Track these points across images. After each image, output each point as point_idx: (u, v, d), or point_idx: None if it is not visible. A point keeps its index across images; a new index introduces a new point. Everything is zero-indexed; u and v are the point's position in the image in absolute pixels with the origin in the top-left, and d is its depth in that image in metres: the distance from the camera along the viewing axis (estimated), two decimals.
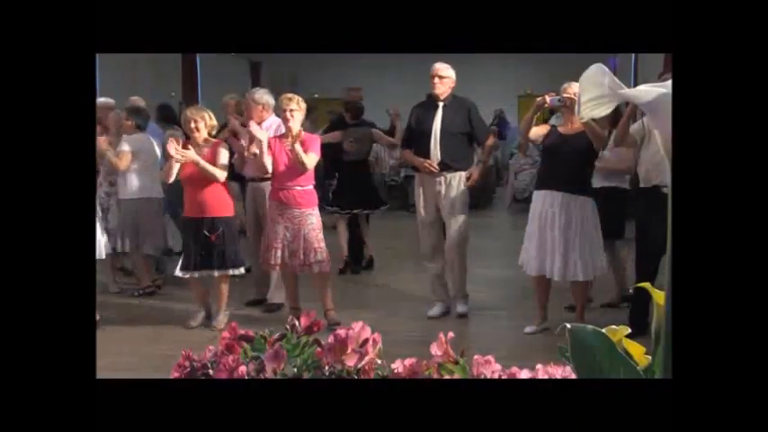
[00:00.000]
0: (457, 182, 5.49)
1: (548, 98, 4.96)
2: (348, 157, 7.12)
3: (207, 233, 5.26)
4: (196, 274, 5.39)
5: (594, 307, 5.31)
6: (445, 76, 5.49)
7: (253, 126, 5.30)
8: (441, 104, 5.48)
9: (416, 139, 5.55)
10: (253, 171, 5.70)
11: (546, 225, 5.01)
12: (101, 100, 6.79)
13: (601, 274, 5.14)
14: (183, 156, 5.14)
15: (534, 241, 5.07)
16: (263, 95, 5.73)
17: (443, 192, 5.49)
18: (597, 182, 5.42)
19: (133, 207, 6.27)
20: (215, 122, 5.45)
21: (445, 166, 5.45)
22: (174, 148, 5.12)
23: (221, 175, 5.28)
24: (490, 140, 5.85)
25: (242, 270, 5.50)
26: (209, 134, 5.38)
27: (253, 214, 5.87)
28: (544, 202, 5.04)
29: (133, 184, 6.23)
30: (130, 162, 6.14)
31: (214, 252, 5.31)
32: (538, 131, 5.17)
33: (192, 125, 5.30)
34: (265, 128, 5.56)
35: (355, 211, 7.16)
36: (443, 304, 5.70)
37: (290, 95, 5.30)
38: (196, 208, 5.33)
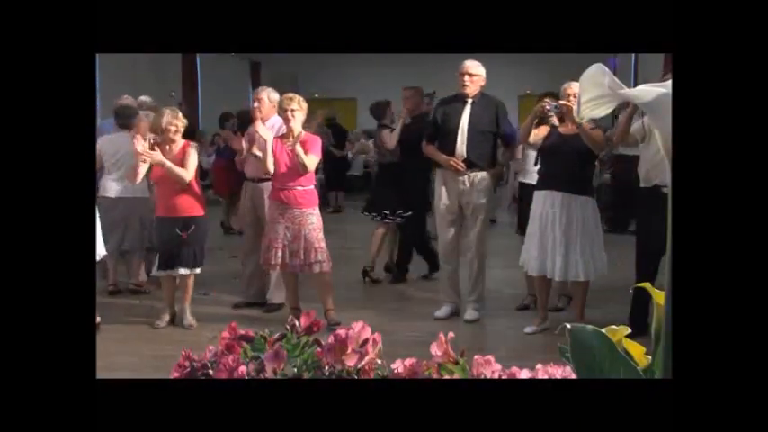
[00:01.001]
0: (481, 180, 5.39)
1: (546, 105, 5.01)
2: (380, 161, 7.03)
3: (179, 232, 5.29)
4: (173, 273, 5.42)
5: (595, 307, 5.31)
6: (475, 74, 5.38)
7: (259, 126, 5.30)
8: (469, 101, 5.38)
9: (442, 135, 5.45)
10: (253, 171, 5.70)
11: (547, 225, 5.02)
12: (141, 99, 6.94)
13: (601, 274, 5.14)
14: (149, 157, 5.16)
15: (535, 241, 5.08)
16: (272, 93, 5.73)
17: (468, 190, 5.39)
18: (527, 177, 5.69)
19: (112, 206, 6.26)
20: (185, 122, 5.45)
21: (471, 164, 5.35)
22: (141, 146, 5.13)
23: (188, 176, 5.28)
24: (514, 143, 5.71)
25: (197, 270, 5.47)
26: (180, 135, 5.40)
27: (251, 214, 5.86)
28: (545, 202, 5.06)
29: (112, 184, 6.26)
30: (101, 162, 6.18)
31: (185, 251, 5.35)
32: (538, 134, 5.19)
33: (174, 129, 5.31)
34: (269, 126, 5.55)
35: (384, 213, 6.84)
36: (452, 305, 5.59)
37: (291, 95, 5.29)
38: (169, 208, 5.35)
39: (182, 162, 5.29)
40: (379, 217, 6.83)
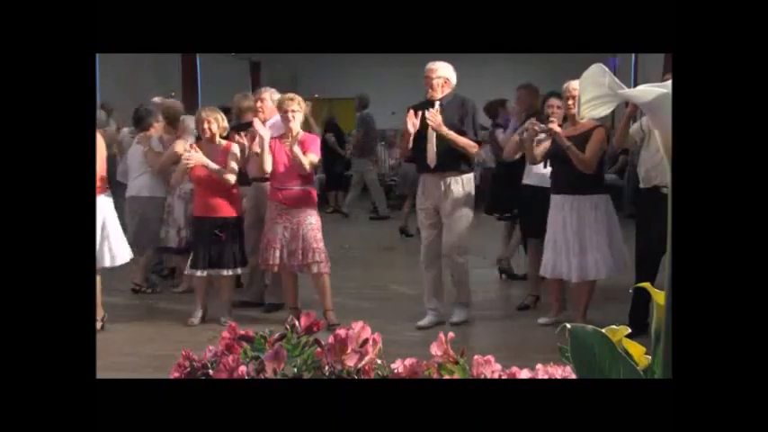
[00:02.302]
0: (457, 183, 5.29)
1: (536, 128, 5.14)
2: (497, 159, 6.99)
3: (217, 233, 5.30)
4: (205, 273, 5.43)
5: (595, 307, 5.31)
6: (436, 76, 5.25)
7: (257, 123, 5.30)
8: (437, 104, 5.26)
9: (415, 140, 5.32)
10: (256, 171, 5.70)
11: (558, 228, 5.09)
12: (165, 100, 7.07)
13: (621, 269, 5.16)
14: (190, 158, 5.17)
15: (550, 245, 5.16)
16: (274, 94, 5.75)
17: (443, 194, 5.28)
18: (527, 179, 5.67)
19: (134, 205, 6.41)
20: (226, 124, 5.49)
21: (444, 168, 5.25)
22: (181, 147, 5.17)
23: (231, 177, 5.33)
24: (472, 150, 5.33)
25: (239, 271, 5.57)
26: (221, 135, 5.41)
27: (255, 214, 5.85)
28: (556, 205, 5.14)
29: (133, 183, 6.45)
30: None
31: (224, 251, 5.37)
32: (539, 150, 5.25)
33: (206, 126, 5.32)
34: (269, 126, 5.55)
35: (496, 215, 6.79)
36: (435, 314, 5.41)
37: (291, 96, 5.30)
38: (207, 208, 5.38)
39: (224, 163, 5.32)
40: (498, 215, 6.81)
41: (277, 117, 5.61)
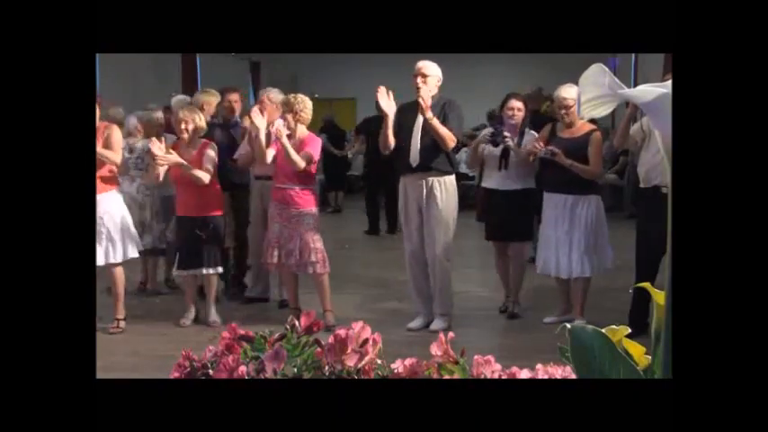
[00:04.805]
0: (439, 185, 5.18)
1: (539, 154, 5.19)
2: None
3: (198, 232, 5.30)
4: (195, 273, 5.44)
5: (595, 307, 5.32)
6: (429, 74, 5.16)
7: (254, 113, 5.25)
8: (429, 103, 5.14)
9: (398, 140, 5.24)
10: (260, 169, 5.70)
11: (549, 226, 5.21)
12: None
13: (605, 268, 5.26)
14: (165, 160, 5.16)
15: (542, 242, 5.30)
16: (279, 95, 5.75)
17: (426, 195, 5.18)
18: (510, 184, 5.54)
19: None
20: (204, 124, 5.44)
21: (426, 169, 5.15)
22: (157, 149, 5.14)
23: (205, 177, 5.28)
24: (450, 143, 5.16)
25: (219, 269, 5.54)
26: (198, 135, 5.40)
27: (260, 212, 5.84)
28: (549, 204, 5.25)
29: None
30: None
31: (204, 250, 5.36)
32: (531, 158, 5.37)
33: (183, 126, 5.30)
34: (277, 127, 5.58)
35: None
36: (425, 316, 5.35)
37: (303, 97, 5.32)
38: (188, 207, 5.38)
39: (199, 162, 5.29)
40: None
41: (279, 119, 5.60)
